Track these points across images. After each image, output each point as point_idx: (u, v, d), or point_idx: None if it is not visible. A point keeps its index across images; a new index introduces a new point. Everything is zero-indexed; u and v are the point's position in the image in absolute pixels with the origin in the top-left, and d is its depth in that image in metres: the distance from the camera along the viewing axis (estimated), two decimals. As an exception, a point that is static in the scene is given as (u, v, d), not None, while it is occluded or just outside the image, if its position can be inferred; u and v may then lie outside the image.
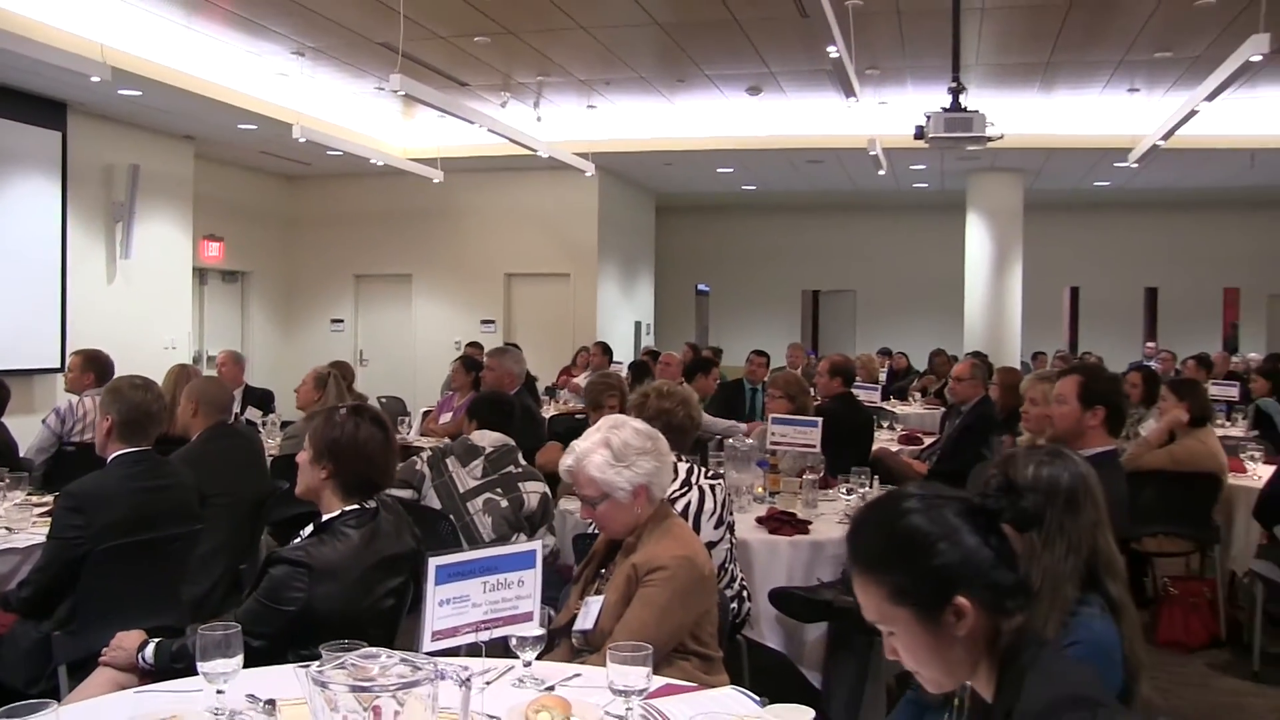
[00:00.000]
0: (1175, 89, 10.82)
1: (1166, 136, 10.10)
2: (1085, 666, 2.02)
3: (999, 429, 6.82)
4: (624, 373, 10.63)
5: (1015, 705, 1.68)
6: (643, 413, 4.07)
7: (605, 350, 11.42)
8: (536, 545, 2.67)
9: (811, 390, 7.05)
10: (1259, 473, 6.23)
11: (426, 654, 2.13)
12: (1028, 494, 1.80)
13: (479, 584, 2.47)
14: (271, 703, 2.34)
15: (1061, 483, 2.31)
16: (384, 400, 10.61)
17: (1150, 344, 16.31)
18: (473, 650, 2.62)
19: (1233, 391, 9.70)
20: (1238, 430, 8.52)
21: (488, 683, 2.55)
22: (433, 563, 2.39)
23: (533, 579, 2.59)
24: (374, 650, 1.66)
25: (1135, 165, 12.34)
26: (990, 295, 14.96)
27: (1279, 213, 17.45)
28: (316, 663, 1.62)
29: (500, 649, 2.61)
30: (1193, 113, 9.03)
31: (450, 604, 2.43)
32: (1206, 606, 5.94)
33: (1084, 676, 1.81)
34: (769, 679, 4.22)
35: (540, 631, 2.58)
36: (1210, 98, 8.38)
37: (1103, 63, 10.53)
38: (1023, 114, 11.78)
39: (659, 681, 2.51)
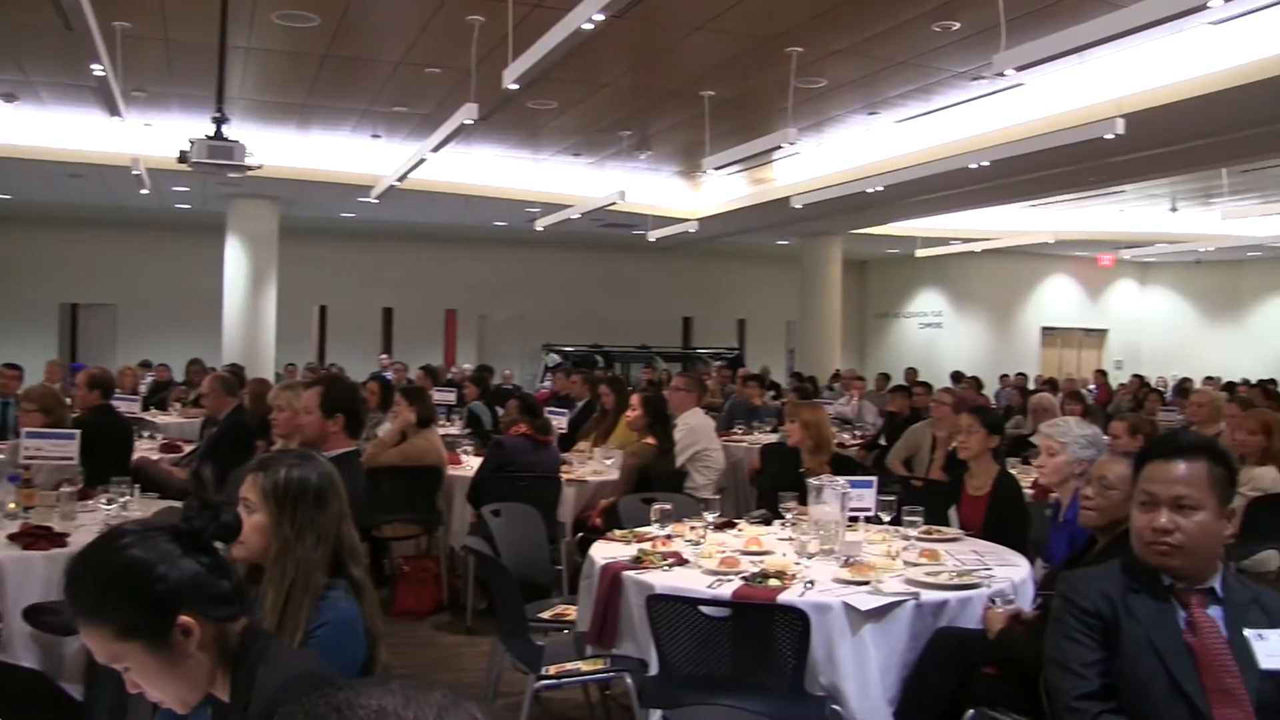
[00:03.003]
0: (411, 139, 11.69)
1: (401, 179, 10.90)
2: (308, 651, 2.13)
3: (254, 435, 6.80)
4: None
5: (250, 696, 1.72)
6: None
7: None
8: None
9: (69, 402, 6.49)
10: (471, 464, 6.96)
11: None
12: (224, 510, 1.88)
13: None
14: None
15: (310, 482, 2.39)
16: None
17: (384, 356, 17.19)
18: None
19: (450, 397, 10.64)
20: (455, 429, 9.34)
21: None
22: None
23: None
24: None
25: (376, 201, 13.11)
26: (247, 311, 14.95)
27: (487, 248, 19.86)
28: None
29: None
30: (421, 160, 9.87)
31: None
32: (433, 579, 6.54)
33: (309, 659, 1.91)
34: (27, 697, 3.85)
35: None
36: (436, 149, 9.26)
37: (351, 110, 11.06)
38: (281, 147, 11.89)
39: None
